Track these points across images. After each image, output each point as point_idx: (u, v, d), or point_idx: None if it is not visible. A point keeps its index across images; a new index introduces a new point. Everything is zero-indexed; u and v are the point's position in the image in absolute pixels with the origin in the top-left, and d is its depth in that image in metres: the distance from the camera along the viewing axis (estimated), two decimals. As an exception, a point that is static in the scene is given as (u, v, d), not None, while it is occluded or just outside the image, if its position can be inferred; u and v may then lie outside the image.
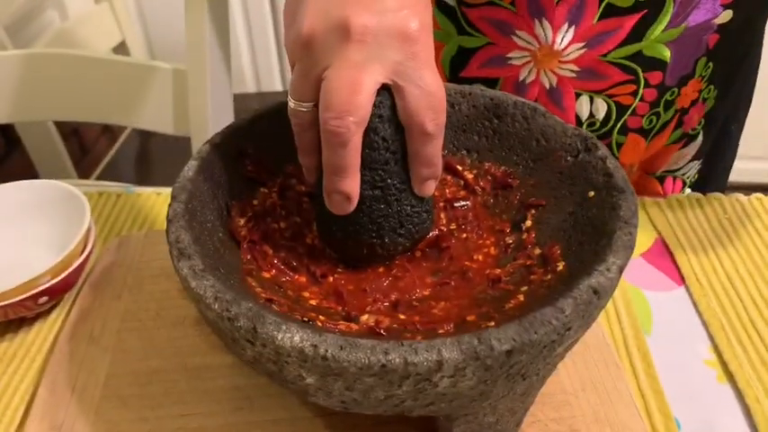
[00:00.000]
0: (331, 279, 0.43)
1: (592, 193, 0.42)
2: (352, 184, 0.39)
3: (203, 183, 0.43)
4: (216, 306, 0.34)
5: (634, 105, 0.63)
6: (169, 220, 0.40)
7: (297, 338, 0.32)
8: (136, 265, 0.59)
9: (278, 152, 0.47)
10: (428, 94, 0.37)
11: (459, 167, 0.49)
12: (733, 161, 0.76)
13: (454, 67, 0.65)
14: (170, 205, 0.41)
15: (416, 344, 0.31)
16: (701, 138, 0.70)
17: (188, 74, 1.01)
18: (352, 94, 0.36)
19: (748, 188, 0.67)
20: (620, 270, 0.36)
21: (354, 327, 0.38)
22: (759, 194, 0.66)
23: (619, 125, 0.65)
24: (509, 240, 0.45)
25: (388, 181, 0.40)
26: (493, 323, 0.37)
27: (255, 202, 0.47)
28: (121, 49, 1.66)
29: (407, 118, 0.38)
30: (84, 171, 1.67)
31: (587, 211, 0.42)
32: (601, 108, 0.64)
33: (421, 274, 0.44)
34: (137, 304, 0.55)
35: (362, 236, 0.42)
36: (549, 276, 0.39)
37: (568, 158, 0.45)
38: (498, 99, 0.49)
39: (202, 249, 0.38)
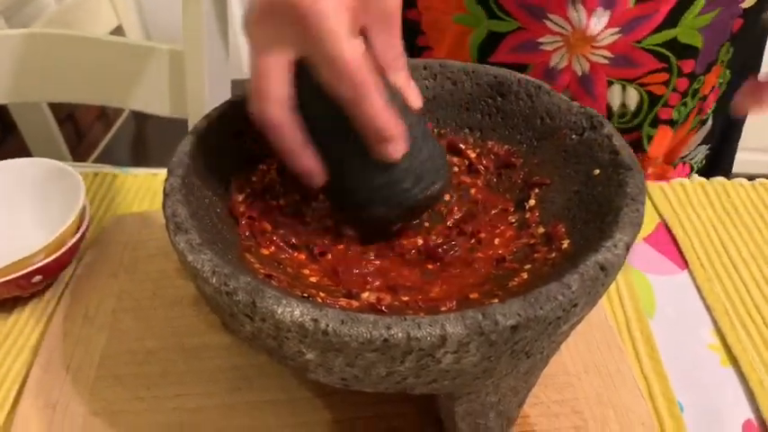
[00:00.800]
0: (330, 257, 0.42)
1: (597, 171, 0.42)
2: (305, 162, 0.39)
3: (200, 158, 0.42)
4: (214, 280, 0.33)
5: (666, 96, 0.62)
6: (166, 194, 0.39)
7: (297, 313, 0.31)
8: (132, 244, 0.58)
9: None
10: (330, 62, 0.35)
11: (463, 146, 0.48)
12: (737, 145, 0.75)
13: (483, 52, 0.63)
14: (166, 179, 0.40)
15: (419, 319, 0.31)
16: (710, 122, 0.69)
17: (185, 55, 0.99)
18: (261, 79, 0.37)
19: (751, 179, 0.66)
20: (627, 247, 0.35)
21: (355, 303, 0.37)
22: (763, 179, 0.66)
23: (650, 117, 0.63)
24: (512, 219, 0.44)
25: (347, 152, 0.39)
26: (497, 300, 0.36)
27: (254, 178, 0.46)
28: (118, 33, 1.64)
29: (327, 89, 0.36)
30: (79, 156, 1.66)
31: (592, 189, 0.41)
32: (633, 97, 0.62)
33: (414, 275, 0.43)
34: (133, 284, 0.54)
35: (346, 200, 0.42)
36: (554, 254, 0.39)
37: (573, 137, 0.45)
38: (502, 77, 0.48)
39: (200, 224, 0.37)
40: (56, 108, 1.46)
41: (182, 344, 0.49)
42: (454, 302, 0.37)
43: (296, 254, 0.42)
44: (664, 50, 0.59)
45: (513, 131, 0.47)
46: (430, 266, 0.42)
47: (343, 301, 0.37)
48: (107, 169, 0.70)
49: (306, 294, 0.37)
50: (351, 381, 0.34)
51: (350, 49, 0.35)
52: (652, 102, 0.63)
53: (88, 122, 1.74)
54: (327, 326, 0.31)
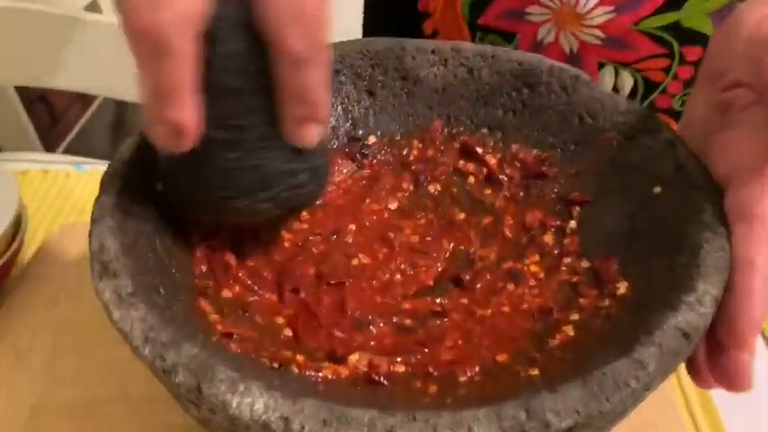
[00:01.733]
0: (303, 294, 0.33)
1: (658, 189, 0.32)
2: (185, 112, 0.27)
3: (145, 168, 0.32)
4: (146, 351, 0.24)
5: (665, 84, 0.54)
6: (93, 221, 0.29)
7: (259, 406, 0.22)
8: (79, 261, 0.49)
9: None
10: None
11: (480, 150, 0.39)
12: None
13: (473, 12, 0.55)
14: (97, 199, 0.30)
15: (435, 417, 0.21)
16: None
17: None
18: None
19: None
20: (716, 303, 0.26)
21: (343, 372, 0.28)
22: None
23: (645, 104, 0.55)
24: (545, 248, 0.35)
25: (246, 119, 0.29)
26: (536, 370, 0.27)
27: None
28: (92, 9, 1.53)
29: (266, 30, 0.27)
30: (53, 142, 1.55)
31: (653, 212, 0.32)
32: (627, 82, 0.54)
33: None
34: (76, 312, 0.45)
35: (210, 191, 0.31)
36: (607, 302, 0.29)
37: (622, 141, 0.35)
38: (529, 64, 0.38)
39: (135, 262, 0.28)
40: (26, 89, 1.35)
41: (128, 393, 0.40)
42: (476, 369, 0.28)
43: (267, 294, 0.32)
44: (664, 35, 0.50)
45: (543, 133, 0.38)
46: (438, 309, 0.33)
47: (328, 369, 0.28)
48: (58, 167, 0.60)
49: (277, 363, 0.27)
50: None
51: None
52: (648, 88, 0.54)
53: (63, 105, 1.63)
54: (303, 428, 0.21)
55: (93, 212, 0.30)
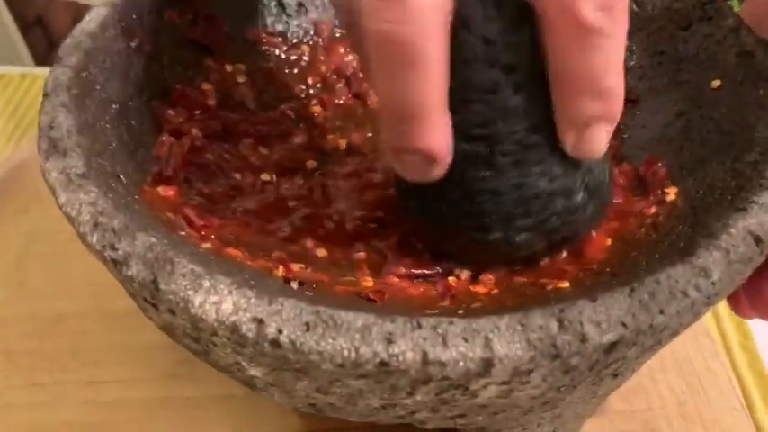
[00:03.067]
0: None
1: (717, 83, 0.27)
2: (438, 136, 0.21)
3: (112, 41, 0.28)
4: (94, 239, 0.20)
5: None
6: (45, 95, 0.25)
7: (227, 306, 0.18)
8: (56, 169, 0.44)
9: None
10: None
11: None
12: None
13: None
14: (50, 72, 0.25)
15: (444, 324, 0.17)
16: None
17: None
18: None
19: None
20: (794, 204, 0.21)
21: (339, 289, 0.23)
22: None
23: None
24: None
25: (498, 127, 0.22)
26: (567, 283, 0.22)
27: (207, 85, 0.31)
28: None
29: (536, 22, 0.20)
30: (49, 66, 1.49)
31: (710, 110, 0.27)
32: None
33: None
34: (48, 222, 0.40)
35: (458, 219, 0.24)
36: (654, 209, 0.25)
37: (675, 31, 0.30)
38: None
39: (92, 143, 0.23)
40: (20, 9, 1.29)
41: (103, 308, 0.36)
42: (492, 279, 0.24)
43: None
44: None
45: (580, 23, 0.33)
46: None
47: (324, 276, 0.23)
48: (37, 71, 0.55)
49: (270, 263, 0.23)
50: (324, 408, 0.21)
51: None
52: None
53: (60, 28, 1.56)
54: (280, 333, 0.17)
55: (45, 86, 0.25)
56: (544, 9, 0.20)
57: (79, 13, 1.50)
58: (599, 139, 0.21)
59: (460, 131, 0.21)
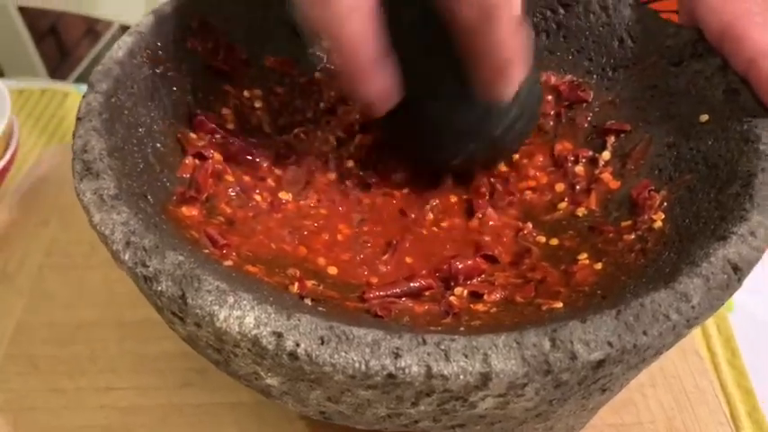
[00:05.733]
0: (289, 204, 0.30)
1: (705, 118, 0.29)
2: (378, 84, 0.26)
3: (139, 68, 0.30)
4: (127, 256, 0.21)
5: None
6: (79, 119, 0.26)
7: (250, 320, 0.19)
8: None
9: (252, 28, 0.33)
10: None
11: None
12: None
13: None
14: (83, 98, 0.27)
15: (447, 341, 0.19)
16: None
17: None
18: None
19: None
20: (770, 236, 0.23)
21: (350, 304, 0.25)
22: None
23: None
24: (575, 180, 0.31)
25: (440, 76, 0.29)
26: (560, 303, 0.24)
27: (226, 110, 0.33)
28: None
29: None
30: (62, 76, 1.51)
31: (698, 142, 0.29)
32: None
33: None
34: (67, 234, 0.42)
35: (425, 144, 0.32)
36: (643, 234, 0.27)
37: (667, 67, 0.32)
38: (566, -20, 0.35)
39: (122, 165, 0.25)
40: (34, 20, 1.31)
41: (120, 317, 0.37)
42: (497, 295, 0.25)
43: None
44: None
45: (579, 56, 0.34)
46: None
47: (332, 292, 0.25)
48: (57, 86, 0.57)
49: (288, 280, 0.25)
50: (334, 416, 0.23)
51: None
52: None
53: (74, 39, 1.59)
54: (297, 346, 0.19)
55: (78, 110, 0.27)
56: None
57: (92, 24, 1.52)
58: (505, 91, 0.26)
59: (411, 79, 0.27)
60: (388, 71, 0.26)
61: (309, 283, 0.25)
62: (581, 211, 0.30)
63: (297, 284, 0.24)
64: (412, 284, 0.26)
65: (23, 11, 1.24)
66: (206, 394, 0.34)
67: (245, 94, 0.33)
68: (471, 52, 0.25)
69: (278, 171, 0.31)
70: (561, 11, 0.35)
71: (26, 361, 0.36)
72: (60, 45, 1.52)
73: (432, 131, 0.30)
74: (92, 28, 1.62)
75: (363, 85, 0.25)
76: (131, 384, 0.35)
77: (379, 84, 0.26)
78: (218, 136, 0.30)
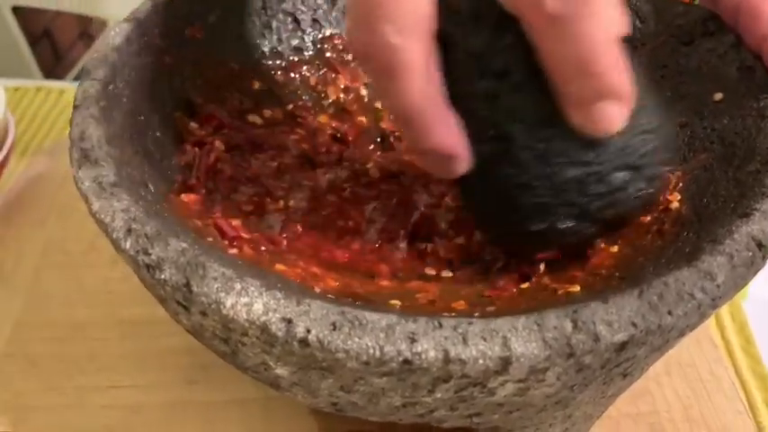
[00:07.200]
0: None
1: (719, 96, 0.28)
2: (440, 133, 0.22)
3: (136, 55, 0.29)
4: (128, 244, 0.21)
5: None
6: (75, 107, 0.26)
7: (258, 306, 0.19)
8: (72, 178, 0.45)
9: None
10: None
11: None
12: None
13: None
14: (79, 86, 0.26)
15: (464, 324, 0.18)
16: None
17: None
18: None
19: None
20: (795, 212, 0.22)
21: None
22: None
23: None
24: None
25: (510, 127, 0.23)
26: (577, 287, 0.23)
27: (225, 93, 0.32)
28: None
29: (508, 3, 0.21)
30: (57, 78, 1.50)
31: (712, 121, 0.28)
32: None
33: None
34: (65, 232, 0.41)
35: (502, 217, 0.25)
36: (659, 215, 0.26)
37: (677, 46, 0.31)
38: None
39: (121, 153, 0.24)
40: (28, 22, 1.30)
41: (119, 316, 0.36)
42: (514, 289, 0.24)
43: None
44: None
45: (585, 38, 0.34)
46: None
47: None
48: (53, 84, 0.56)
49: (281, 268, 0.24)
50: (346, 407, 0.22)
51: None
52: None
53: (68, 41, 1.58)
54: (308, 332, 0.18)
55: (75, 98, 0.26)
56: (518, 11, 0.21)
57: (86, 26, 1.52)
58: (607, 116, 0.22)
59: (475, 136, 0.23)
60: (453, 119, 0.22)
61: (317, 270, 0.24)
62: None
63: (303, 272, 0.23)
64: None
65: (17, 13, 1.23)
66: (211, 391, 0.33)
67: (246, 83, 0.32)
68: (558, 63, 0.21)
69: (282, 161, 0.30)
70: (567, -7, 0.34)
71: (24, 360, 0.35)
72: (55, 47, 1.51)
73: (514, 194, 0.24)
74: (86, 30, 1.61)
75: (429, 133, 0.22)
76: (133, 383, 0.34)
77: (446, 134, 0.22)
78: (219, 124, 0.30)
